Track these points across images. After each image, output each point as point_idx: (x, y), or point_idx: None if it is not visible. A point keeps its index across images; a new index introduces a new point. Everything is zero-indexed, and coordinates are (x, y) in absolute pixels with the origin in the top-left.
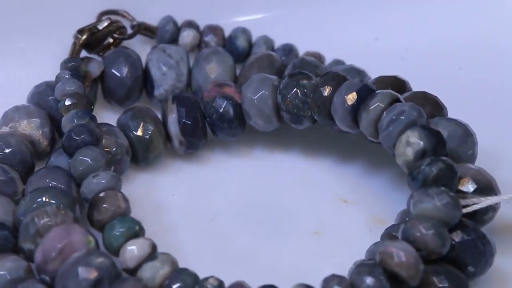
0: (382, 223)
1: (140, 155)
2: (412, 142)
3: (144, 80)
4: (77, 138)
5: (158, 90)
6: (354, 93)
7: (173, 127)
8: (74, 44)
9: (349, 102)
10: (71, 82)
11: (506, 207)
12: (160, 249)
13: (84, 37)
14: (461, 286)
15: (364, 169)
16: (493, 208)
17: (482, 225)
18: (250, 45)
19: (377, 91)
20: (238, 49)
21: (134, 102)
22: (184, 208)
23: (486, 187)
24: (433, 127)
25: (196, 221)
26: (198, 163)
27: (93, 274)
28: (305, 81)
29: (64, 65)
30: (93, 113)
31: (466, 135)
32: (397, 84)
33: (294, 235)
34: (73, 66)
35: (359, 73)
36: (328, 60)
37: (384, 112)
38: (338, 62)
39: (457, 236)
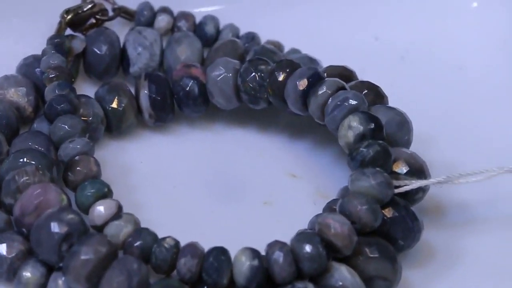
0: (325, 197)
1: (114, 125)
2: (353, 126)
3: (121, 58)
4: (57, 106)
5: (133, 68)
6: (305, 80)
7: (144, 102)
8: (60, 22)
9: (300, 88)
10: (55, 57)
11: (434, 189)
12: (125, 209)
13: (70, 16)
14: (390, 257)
15: (312, 147)
16: (422, 190)
17: (412, 204)
18: (218, 32)
19: (326, 79)
20: (206, 35)
21: (111, 77)
22: (150, 174)
23: (418, 170)
24: (372, 114)
25: (160, 187)
26: (165, 135)
27: (63, 229)
28: (262, 67)
29: (50, 41)
30: (75, 85)
31: (402, 122)
32: (345, 73)
33: (246, 204)
34: (58, 42)
35: (312, 61)
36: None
37: (330, 98)
38: (295, 51)
39: (389, 212)
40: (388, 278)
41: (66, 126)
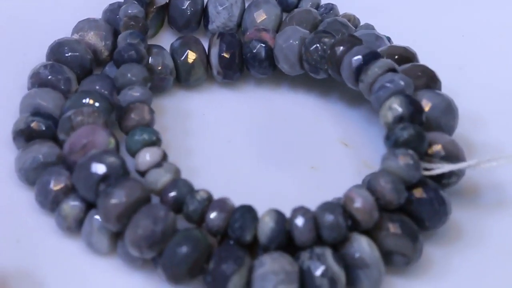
0: (371, 168)
1: (183, 77)
2: (393, 108)
3: (202, 15)
4: (124, 54)
5: (211, 25)
6: (360, 57)
7: (214, 59)
8: None
9: (354, 65)
10: (133, 6)
11: (473, 172)
12: (178, 156)
13: None
14: (411, 235)
15: (370, 117)
16: (456, 174)
17: (446, 187)
18: (299, 0)
19: (379, 59)
20: (287, 1)
21: (191, 32)
22: (209, 125)
23: (453, 155)
24: (414, 98)
25: (216, 139)
26: (232, 92)
27: (102, 170)
28: (326, 39)
29: None
30: (158, 35)
31: (447, 108)
32: (406, 55)
33: (294, 166)
34: None
35: (378, 39)
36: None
37: (378, 78)
38: (367, 26)
39: (417, 193)
40: (407, 254)
41: (128, 74)
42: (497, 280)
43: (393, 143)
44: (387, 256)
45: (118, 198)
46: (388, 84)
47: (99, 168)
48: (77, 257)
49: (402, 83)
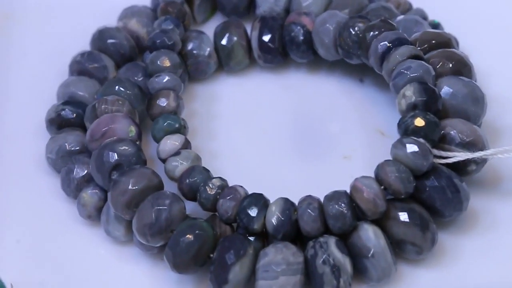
0: None
1: (223, 61)
2: (406, 95)
3: (251, 0)
4: (156, 40)
5: (258, 10)
6: (386, 43)
7: (254, 43)
8: None
9: (380, 50)
10: None
11: (497, 160)
12: (204, 138)
13: None
14: (421, 224)
15: None
16: (476, 162)
17: (466, 176)
18: None
19: (404, 46)
20: None
21: (240, 16)
22: (242, 110)
23: (471, 143)
24: (429, 85)
25: (251, 128)
26: (273, 75)
27: (114, 158)
28: (360, 24)
29: None
30: (210, 20)
31: (470, 94)
32: (440, 40)
33: (328, 155)
34: None
35: (417, 24)
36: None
37: (398, 65)
38: (416, 12)
39: (429, 181)
40: (416, 243)
41: (158, 61)
42: (507, 269)
43: (404, 131)
44: (399, 246)
45: (125, 186)
46: (405, 71)
47: (112, 156)
48: (97, 245)
49: (418, 70)
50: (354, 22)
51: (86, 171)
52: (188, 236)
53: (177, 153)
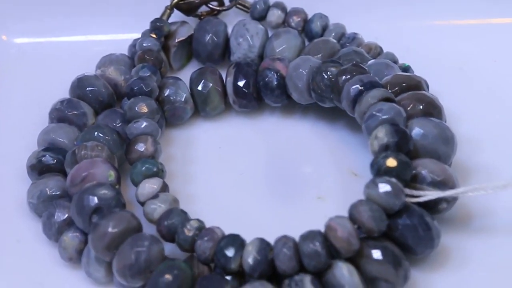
0: None
1: (200, 106)
2: (379, 137)
3: (225, 47)
4: (133, 88)
5: (233, 56)
6: (358, 86)
7: (229, 88)
8: (166, 7)
9: (352, 94)
10: (148, 40)
11: (468, 198)
12: (181, 181)
13: (175, 1)
14: (393, 261)
15: None
16: (447, 201)
17: (437, 214)
18: (324, 30)
19: (376, 89)
20: (312, 32)
21: (215, 63)
22: (219, 154)
23: (441, 182)
24: (401, 127)
25: (227, 171)
26: (248, 120)
27: (94, 202)
28: (333, 69)
29: (151, 24)
30: (187, 67)
31: (440, 135)
32: (411, 83)
33: (302, 196)
34: (157, 26)
35: (387, 67)
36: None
37: (370, 107)
38: (386, 55)
39: (401, 219)
40: (390, 280)
41: (135, 108)
42: None
43: (376, 171)
44: (373, 283)
45: (104, 229)
46: (377, 113)
47: (91, 200)
48: (79, 287)
49: (390, 113)
50: (327, 66)
51: (67, 215)
52: (167, 276)
53: (155, 196)
